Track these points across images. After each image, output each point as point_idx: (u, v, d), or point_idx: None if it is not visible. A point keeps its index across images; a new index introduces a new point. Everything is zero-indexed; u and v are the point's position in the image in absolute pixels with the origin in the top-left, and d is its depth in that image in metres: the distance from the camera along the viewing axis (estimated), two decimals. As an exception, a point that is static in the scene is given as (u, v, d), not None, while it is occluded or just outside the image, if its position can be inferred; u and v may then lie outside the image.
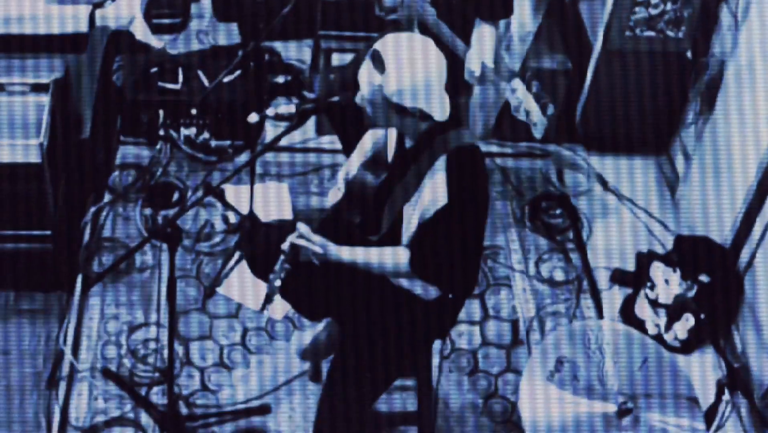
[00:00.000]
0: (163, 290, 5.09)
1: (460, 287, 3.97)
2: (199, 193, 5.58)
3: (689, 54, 5.72)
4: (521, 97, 4.85)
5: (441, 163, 3.74)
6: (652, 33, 5.63)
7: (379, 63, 3.66)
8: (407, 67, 3.66)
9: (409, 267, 3.85)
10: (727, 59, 5.32)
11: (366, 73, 3.71)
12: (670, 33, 5.63)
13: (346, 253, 3.91)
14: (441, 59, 3.71)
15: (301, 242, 3.88)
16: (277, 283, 3.91)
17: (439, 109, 3.73)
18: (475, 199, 3.81)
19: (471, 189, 3.78)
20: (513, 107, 4.90)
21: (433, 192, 3.73)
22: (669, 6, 5.57)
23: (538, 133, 4.90)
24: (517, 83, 4.84)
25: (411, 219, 3.82)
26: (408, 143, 3.87)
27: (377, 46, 3.70)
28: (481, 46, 4.84)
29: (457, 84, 4.80)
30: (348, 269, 3.95)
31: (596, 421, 3.82)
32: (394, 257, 3.87)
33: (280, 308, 5.03)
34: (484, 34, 4.86)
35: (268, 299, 3.95)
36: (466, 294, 4.11)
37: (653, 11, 5.59)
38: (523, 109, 4.85)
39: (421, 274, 3.86)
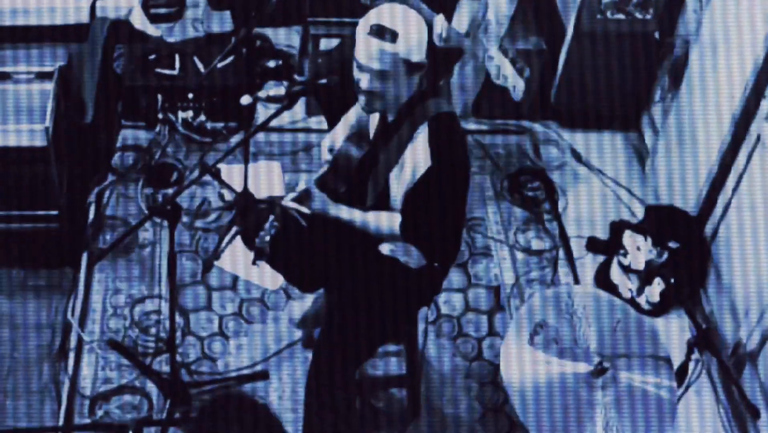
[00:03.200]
0: (164, 264, 5.18)
1: (446, 251, 3.97)
2: (197, 173, 5.63)
3: (657, 35, 5.74)
4: (498, 63, 4.82)
5: (423, 129, 3.78)
6: (621, 15, 5.64)
7: (388, 32, 3.64)
8: (411, 25, 3.68)
9: (400, 231, 3.87)
10: (692, 39, 5.36)
11: (373, 50, 3.67)
12: (639, 15, 5.64)
13: (343, 212, 3.94)
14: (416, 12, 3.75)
15: (289, 204, 3.89)
16: (267, 238, 3.93)
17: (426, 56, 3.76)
18: (456, 162, 3.83)
19: (453, 152, 3.81)
20: (492, 74, 4.91)
21: (417, 157, 3.77)
22: (637, -11, 5.62)
23: (517, 96, 4.87)
24: (495, 51, 4.78)
25: (398, 187, 3.86)
26: (390, 118, 3.89)
27: (373, 21, 3.67)
28: (457, 16, 4.85)
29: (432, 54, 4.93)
30: (335, 234, 3.99)
31: (574, 380, 3.84)
32: (389, 221, 3.90)
33: (274, 279, 5.10)
34: (462, 7, 4.90)
35: (259, 254, 3.98)
36: (452, 259, 4.13)
37: (623, -6, 5.63)
38: (502, 75, 4.85)
39: (410, 239, 3.88)
